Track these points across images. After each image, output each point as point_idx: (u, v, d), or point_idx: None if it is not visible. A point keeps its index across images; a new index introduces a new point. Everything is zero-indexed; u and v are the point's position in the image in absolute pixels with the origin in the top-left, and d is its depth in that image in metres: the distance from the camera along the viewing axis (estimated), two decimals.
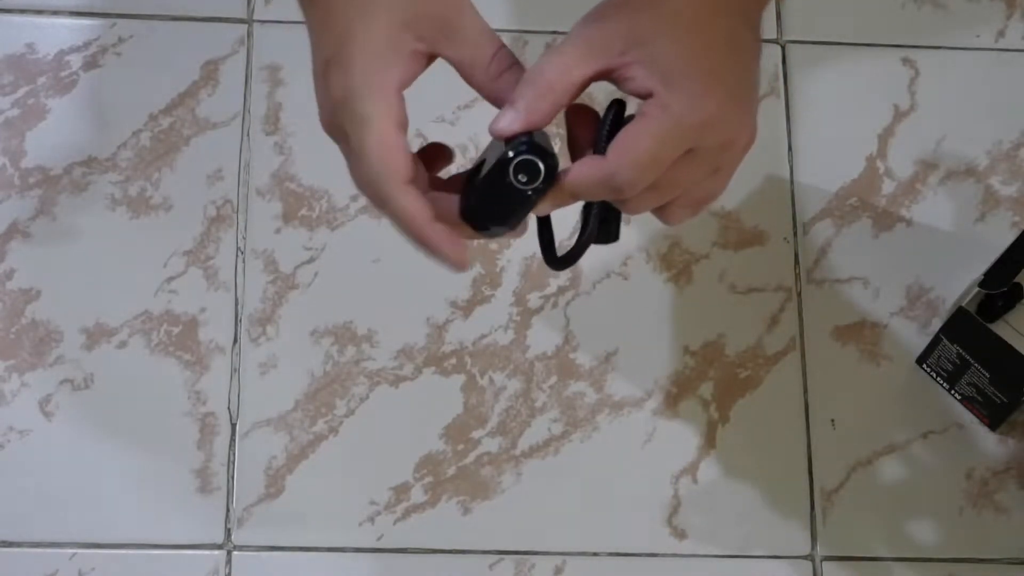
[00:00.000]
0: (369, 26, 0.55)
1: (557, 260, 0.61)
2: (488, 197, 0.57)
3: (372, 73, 0.55)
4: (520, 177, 0.56)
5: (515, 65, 0.57)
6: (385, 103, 0.55)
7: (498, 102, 0.57)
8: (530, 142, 0.56)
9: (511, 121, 0.56)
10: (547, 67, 0.56)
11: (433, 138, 0.91)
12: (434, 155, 0.61)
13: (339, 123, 0.56)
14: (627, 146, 0.56)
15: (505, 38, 0.96)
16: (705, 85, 0.56)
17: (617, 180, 0.57)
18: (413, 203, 0.56)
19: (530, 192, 0.56)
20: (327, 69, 0.56)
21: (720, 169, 0.59)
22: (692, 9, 0.57)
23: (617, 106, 0.59)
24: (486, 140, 0.93)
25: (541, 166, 0.56)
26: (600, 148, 0.57)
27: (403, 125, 0.56)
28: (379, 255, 0.89)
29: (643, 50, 0.56)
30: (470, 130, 0.91)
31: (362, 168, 0.55)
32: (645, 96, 0.56)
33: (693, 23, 0.57)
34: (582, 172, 0.57)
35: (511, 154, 0.55)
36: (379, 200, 0.56)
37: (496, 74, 0.57)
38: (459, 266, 0.58)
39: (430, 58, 0.57)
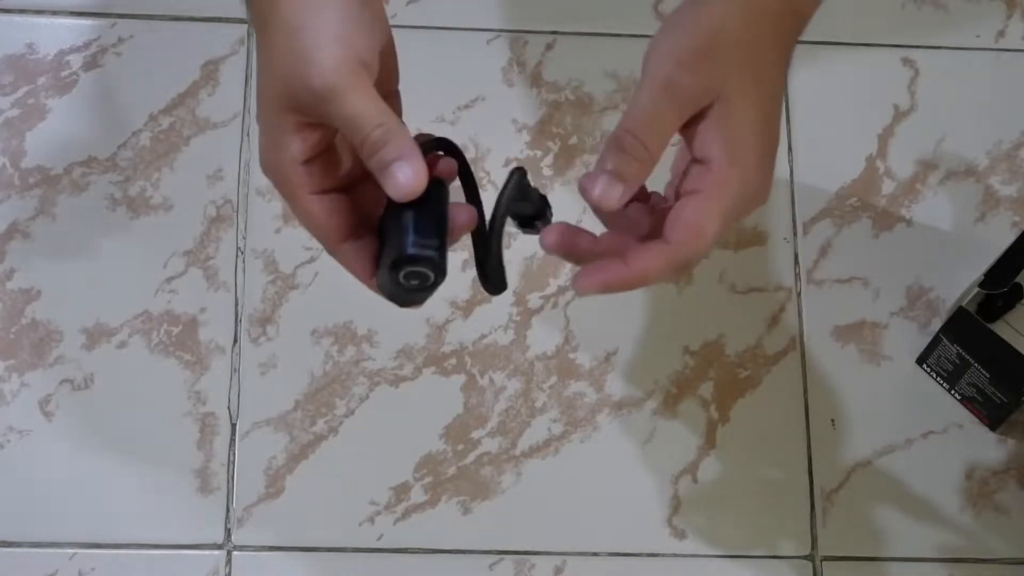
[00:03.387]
0: (265, 97, 0.57)
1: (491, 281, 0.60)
2: (389, 283, 0.58)
3: (274, 152, 0.57)
4: (412, 281, 0.57)
5: (388, 144, 0.55)
6: (293, 178, 0.57)
7: (377, 179, 0.56)
8: (430, 255, 0.56)
9: (607, 190, 0.57)
10: (642, 126, 0.56)
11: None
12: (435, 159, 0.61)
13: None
14: (698, 228, 0.56)
15: (505, 38, 0.96)
16: (761, 157, 0.56)
17: (691, 263, 0.57)
18: (351, 262, 0.59)
19: (419, 292, 0.58)
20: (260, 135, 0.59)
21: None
22: (764, 59, 0.57)
23: (519, 174, 0.59)
24: (487, 138, 0.93)
25: (431, 276, 0.57)
26: (497, 221, 0.58)
27: (322, 187, 0.58)
28: None
29: (721, 108, 0.56)
30: (470, 130, 0.91)
31: (306, 228, 0.59)
32: (699, 160, 0.57)
33: (761, 78, 0.57)
34: (653, 265, 0.57)
35: (407, 253, 0.56)
36: (329, 254, 0.59)
37: (367, 157, 0.55)
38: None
39: (323, 127, 0.57)
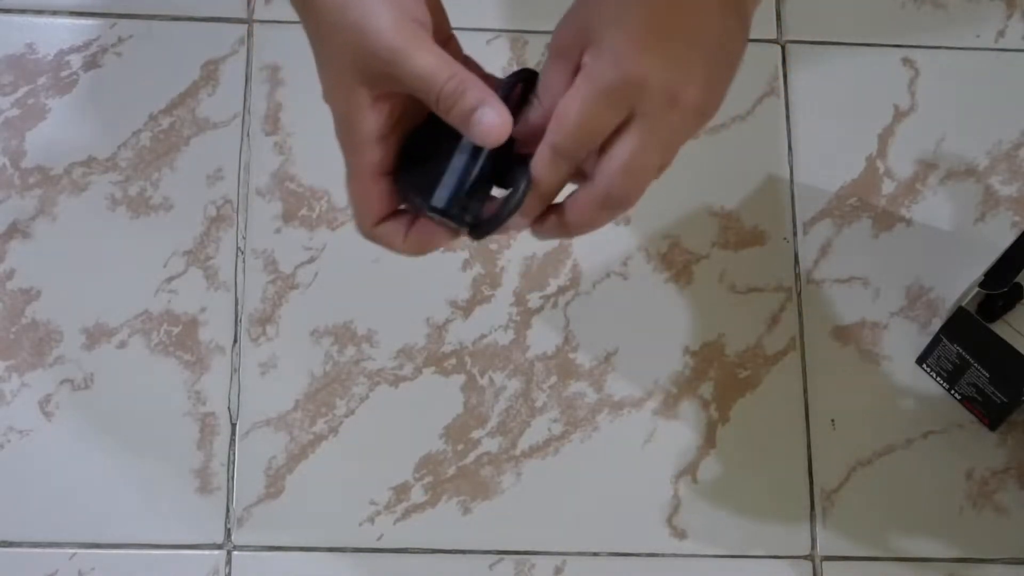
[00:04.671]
0: (331, 78, 0.57)
1: (477, 225, 0.59)
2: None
3: (344, 131, 0.57)
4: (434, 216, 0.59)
5: (465, 93, 0.55)
6: (357, 157, 0.57)
7: (460, 130, 0.56)
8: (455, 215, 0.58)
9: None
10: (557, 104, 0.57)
11: None
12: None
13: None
14: (559, 115, 0.56)
15: (505, 38, 0.96)
16: (632, 44, 0.55)
17: (559, 149, 0.57)
18: (383, 241, 0.60)
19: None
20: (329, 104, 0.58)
21: (670, 137, 0.57)
22: None
23: (527, 74, 0.59)
24: None
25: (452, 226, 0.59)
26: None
27: (381, 171, 0.58)
28: (379, 255, 0.88)
29: (591, 38, 0.56)
30: None
31: (351, 207, 0.60)
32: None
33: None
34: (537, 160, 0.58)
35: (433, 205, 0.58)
36: (363, 236, 0.61)
37: (446, 110, 0.56)
38: (453, 242, 0.61)
39: (396, 95, 0.57)
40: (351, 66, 0.55)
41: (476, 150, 0.58)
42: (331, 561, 0.82)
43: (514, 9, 0.96)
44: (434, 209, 0.57)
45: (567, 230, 0.60)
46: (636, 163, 0.57)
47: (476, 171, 0.57)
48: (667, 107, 0.56)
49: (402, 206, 0.60)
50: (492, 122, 0.55)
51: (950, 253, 0.91)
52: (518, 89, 0.59)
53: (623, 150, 0.56)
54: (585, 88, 0.56)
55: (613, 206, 0.58)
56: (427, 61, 0.55)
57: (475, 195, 0.58)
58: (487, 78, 0.58)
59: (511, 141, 0.56)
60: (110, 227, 0.88)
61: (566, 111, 0.56)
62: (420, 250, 0.60)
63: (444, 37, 0.60)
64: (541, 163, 0.58)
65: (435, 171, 0.57)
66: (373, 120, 0.57)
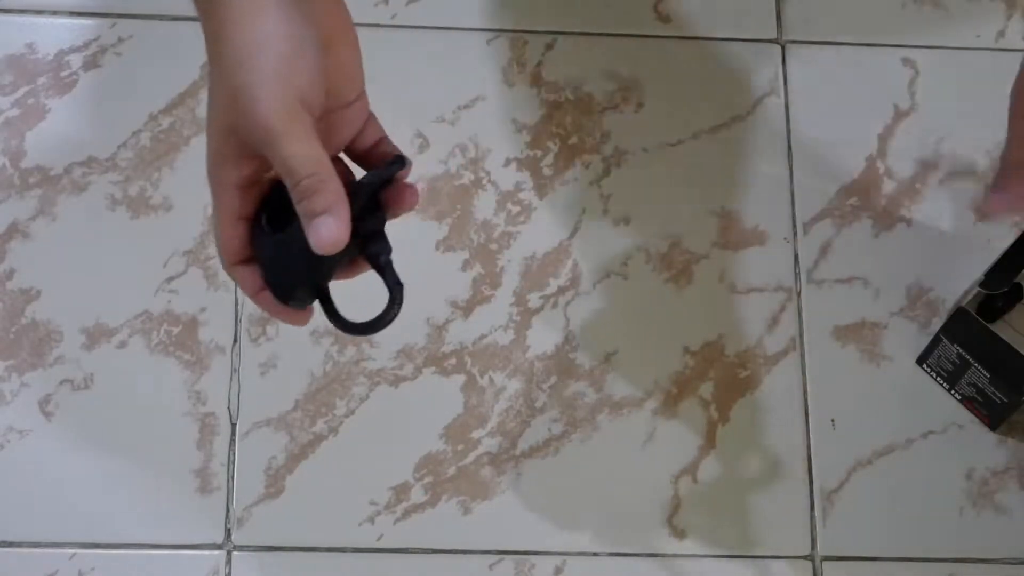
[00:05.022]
0: (211, 117, 0.58)
1: (355, 326, 0.63)
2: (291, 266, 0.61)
3: (212, 169, 0.59)
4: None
5: (317, 194, 0.56)
6: (224, 197, 0.59)
7: (305, 227, 0.57)
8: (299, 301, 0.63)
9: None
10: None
11: (433, 138, 0.92)
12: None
13: None
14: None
15: (505, 38, 0.96)
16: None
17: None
18: (240, 283, 0.62)
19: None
20: None
21: None
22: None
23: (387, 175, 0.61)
24: (487, 139, 0.93)
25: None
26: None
27: (240, 215, 0.60)
28: None
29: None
30: (470, 130, 0.91)
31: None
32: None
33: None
34: None
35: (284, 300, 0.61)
36: (224, 268, 0.63)
37: (297, 201, 0.57)
38: (297, 324, 0.64)
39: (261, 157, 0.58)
40: (227, 122, 0.57)
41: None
42: (331, 561, 0.82)
43: (514, 9, 0.96)
44: (272, 289, 0.61)
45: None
46: None
47: (324, 267, 0.60)
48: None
49: None
50: (329, 233, 0.56)
51: (950, 253, 0.91)
52: (379, 189, 0.61)
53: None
54: None
55: None
56: (295, 151, 0.55)
57: (318, 276, 0.61)
58: (348, 184, 0.60)
59: (376, 202, 0.60)
60: (110, 227, 0.88)
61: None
62: (269, 312, 0.63)
63: (349, 99, 0.60)
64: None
65: (287, 243, 0.59)
66: (237, 171, 0.58)
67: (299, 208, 0.57)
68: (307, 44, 0.56)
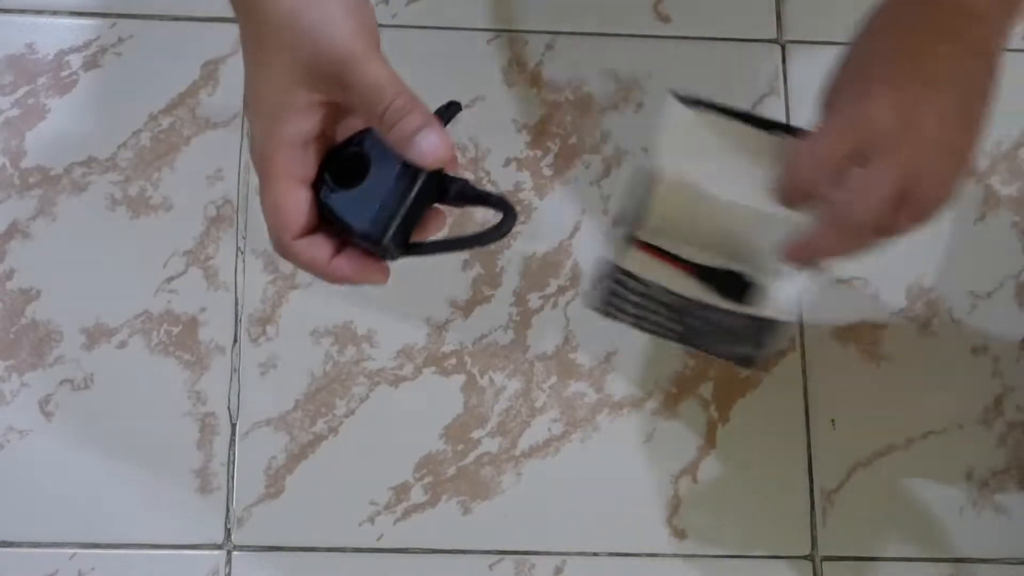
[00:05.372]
0: (266, 78, 0.56)
1: (472, 237, 0.60)
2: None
3: (269, 130, 0.56)
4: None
5: (412, 112, 0.56)
6: (282, 160, 0.56)
7: (397, 148, 0.57)
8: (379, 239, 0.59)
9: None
10: None
11: None
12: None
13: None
14: (797, 149, 0.64)
15: (505, 38, 0.96)
16: (867, 89, 0.62)
17: (795, 176, 0.64)
18: (306, 255, 0.58)
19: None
20: (245, 114, 0.57)
21: (904, 169, 0.62)
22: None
23: (456, 107, 0.60)
24: (487, 138, 0.93)
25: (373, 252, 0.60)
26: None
27: (303, 179, 0.57)
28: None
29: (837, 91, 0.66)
30: (470, 130, 0.91)
31: (264, 216, 0.58)
32: None
33: (867, 52, 0.65)
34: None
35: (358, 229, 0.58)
36: (277, 250, 0.58)
37: (390, 125, 0.56)
38: (379, 282, 0.60)
39: (331, 104, 0.57)
40: (294, 67, 0.55)
41: (409, 175, 0.57)
42: (331, 561, 0.82)
43: (514, 9, 0.96)
44: (365, 234, 0.57)
45: (804, 253, 0.65)
46: (860, 186, 0.61)
47: (412, 196, 0.57)
48: (897, 141, 0.61)
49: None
50: (435, 145, 0.56)
51: (950, 253, 0.91)
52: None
53: (852, 176, 0.61)
54: (823, 126, 0.63)
55: (848, 230, 0.62)
56: (381, 73, 0.55)
57: (407, 220, 0.58)
58: None
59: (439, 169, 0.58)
60: (110, 227, 0.88)
61: (804, 143, 0.63)
62: (347, 278, 0.59)
63: None
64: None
65: (365, 195, 0.57)
66: (301, 124, 0.56)
67: (393, 132, 0.55)
68: None
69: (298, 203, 0.57)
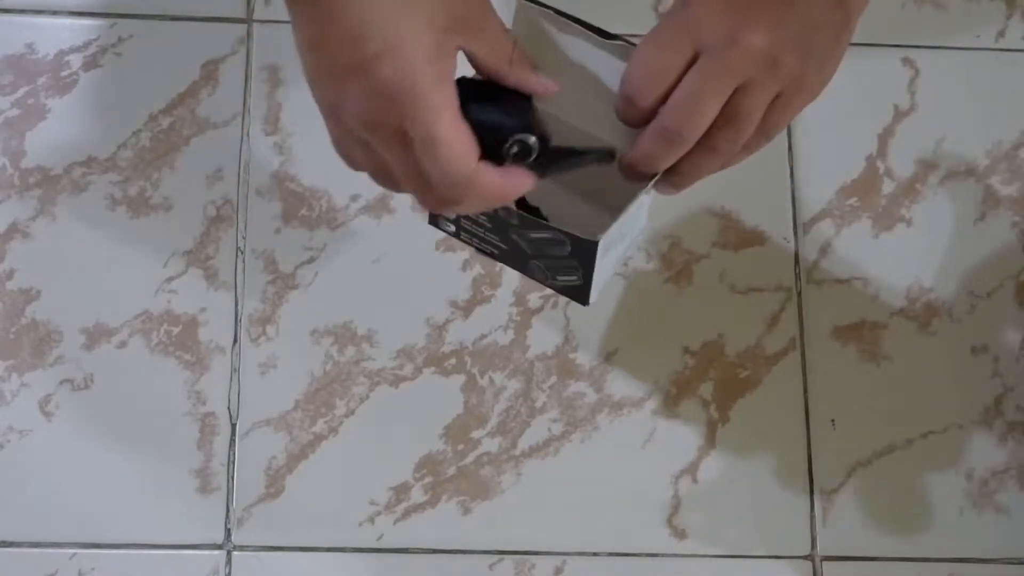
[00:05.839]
0: (419, 28, 0.57)
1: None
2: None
3: (435, 64, 0.57)
4: (513, 150, 0.60)
5: (526, 56, 0.61)
6: (447, 91, 0.58)
7: (520, 86, 0.61)
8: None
9: None
10: None
11: None
12: None
13: (389, 117, 0.57)
14: (630, 60, 0.62)
15: None
16: None
17: (629, 88, 0.62)
18: (486, 179, 0.59)
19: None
20: (377, 63, 0.57)
21: (732, 78, 0.60)
22: None
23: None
24: None
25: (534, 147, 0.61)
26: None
27: (459, 112, 0.59)
28: (379, 255, 0.89)
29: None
30: None
31: (438, 158, 0.57)
32: None
33: None
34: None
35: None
36: (457, 182, 0.58)
37: (519, 64, 0.61)
38: (530, 187, 0.62)
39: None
40: (446, 14, 0.57)
41: (518, 106, 0.62)
42: (331, 561, 0.82)
43: (514, 9, 0.95)
44: (525, 127, 0.60)
45: (633, 165, 0.63)
46: (689, 94, 0.60)
47: (533, 109, 0.62)
48: (726, 45, 0.59)
49: None
50: (547, 80, 0.62)
51: (950, 253, 0.91)
52: None
53: (681, 85, 0.60)
54: (653, 30, 0.61)
55: (669, 138, 0.61)
56: (503, 25, 0.61)
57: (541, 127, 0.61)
58: None
59: None
60: (110, 227, 0.88)
61: (635, 51, 0.62)
62: (521, 187, 0.61)
63: None
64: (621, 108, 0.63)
65: (499, 109, 0.61)
66: (450, 63, 0.58)
67: (515, 71, 0.61)
68: None
69: (468, 132, 0.58)
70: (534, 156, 0.60)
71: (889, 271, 0.91)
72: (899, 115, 0.95)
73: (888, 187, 0.93)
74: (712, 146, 0.62)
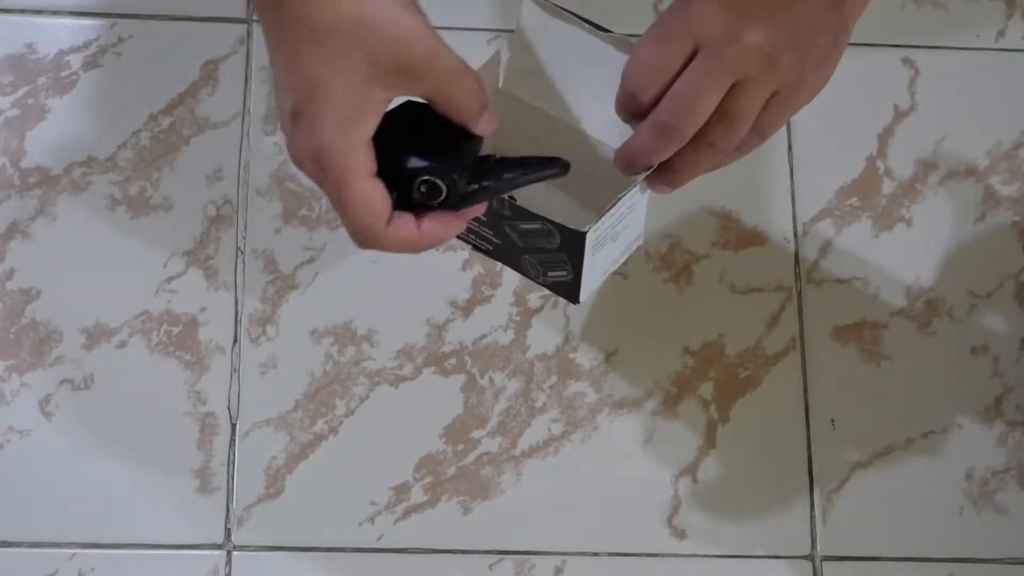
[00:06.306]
0: (337, 80, 0.56)
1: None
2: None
3: (344, 130, 0.57)
4: (421, 190, 0.60)
5: (480, 91, 0.58)
6: (359, 157, 0.57)
7: (469, 125, 0.59)
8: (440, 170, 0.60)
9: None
10: None
11: None
12: None
13: (307, 170, 0.58)
14: (630, 56, 0.62)
15: (505, 38, 0.96)
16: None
17: (628, 84, 0.62)
18: (400, 236, 0.59)
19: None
20: (295, 119, 0.57)
21: (729, 74, 0.60)
22: None
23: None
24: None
25: (442, 188, 0.60)
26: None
27: (374, 171, 0.58)
28: (379, 255, 0.88)
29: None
30: None
31: (347, 218, 0.58)
32: None
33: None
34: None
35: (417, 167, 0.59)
36: (370, 242, 0.59)
37: (469, 104, 0.58)
38: (461, 230, 0.62)
39: (388, 101, 0.59)
40: (369, 66, 0.56)
41: (466, 135, 0.60)
42: (331, 561, 0.82)
43: (514, 9, 0.95)
44: (435, 170, 0.59)
45: (628, 158, 0.63)
46: (685, 89, 0.60)
47: (472, 148, 0.60)
48: (724, 42, 0.59)
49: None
50: (493, 121, 0.59)
51: (950, 253, 0.91)
52: None
53: (680, 80, 0.60)
54: (653, 27, 0.61)
55: (665, 132, 0.61)
56: (455, 59, 0.57)
57: (467, 166, 0.60)
58: None
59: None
60: (110, 227, 0.88)
61: (635, 48, 0.62)
62: (439, 238, 0.61)
63: None
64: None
65: (426, 146, 0.59)
66: (373, 122, 0.57)
67: (473, 107, 0.58)
68: None
69: (381, 194, 0.58)
70: (443, 197, 0.59)
71: (889, 271, 0.91)
72: (899, 115, 0.95)
73: (888, 187, 0.93)
74: (708, 141, 0.62)
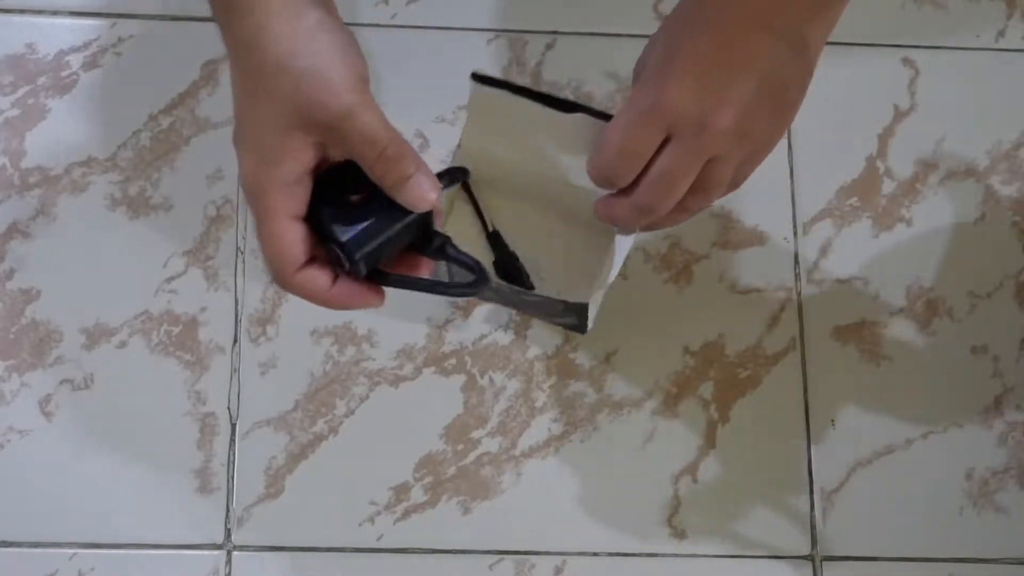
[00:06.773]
0: (260, 120, 0.58)
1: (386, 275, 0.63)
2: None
3: (264, 169, 0.58)
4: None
5: (403, 159, 0.58)
6: (279, 197, 0.58)
7: (390, 193, 0.59)
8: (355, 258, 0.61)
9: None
10: None
11: (433, 137, 0.92)
12: None
13: (245, 198, 0.60)
14: (601, 138, 0.62)
15: (505, 38, 0.96)
16: (671, 76, 0.60)
17: (604, 170, 0.63)
18: (307, 286, 0.60)
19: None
20: (235, 147, 0.59)
21: (704, 157, 0.62)
22: (684, 25, 0.62)
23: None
24: None
25: (344, 266, 0.62)
26: None
27: (297, 214, 0.59)
28: None
29: (642, 75, 0.64)
30: None
31: (263, 253, 0.60)
32: None
33: (679, 33, 0.62)
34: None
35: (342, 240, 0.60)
36: (278, 282, 0.61)
37: (382, 173, 0.58)
38: (374, 305, 0.63)
39: (321, 145, 0.59)
40: (292, 110, 0.57)
41: (399, 210, 0.60)
42: (331, 561, 0.82)
43: (514, 9, 0.96)
44: (342, 244, 0.59)
45: (609, 220, 0.67)
46: (662, 176, 0.62)
47: (396, 228, 0.60)
48: (697, 130, 0.61)
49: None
50: (424, 189, 0.58)
51: (950, 253, 0.91)
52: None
53: (655, 165, 0.62)
54: (626, 113, 0.62)
55: (644, 211, 0.64)
56: (375, 123, 0.57)
57: (384, 246, 0.60)
58: None
59: (429, 215, 0.60)
60: (110, 227, 0.88)
61: (608, 133, 0.62)
62: (345, 304, 0.62)
63: None
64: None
65: (355, 214, 0.60)
66: (295, 164, 0.58)
67: (386, 178, 0.58)
68: (348, 35, 0.58)
69: (296, 239, 0.59)
70: (346, 267, 0.60)
71: (889, 271, 0.91)
72: (899, 115, 0.95)
73: (888, 187, 0.93)
74: (684, 208, 0.65)
